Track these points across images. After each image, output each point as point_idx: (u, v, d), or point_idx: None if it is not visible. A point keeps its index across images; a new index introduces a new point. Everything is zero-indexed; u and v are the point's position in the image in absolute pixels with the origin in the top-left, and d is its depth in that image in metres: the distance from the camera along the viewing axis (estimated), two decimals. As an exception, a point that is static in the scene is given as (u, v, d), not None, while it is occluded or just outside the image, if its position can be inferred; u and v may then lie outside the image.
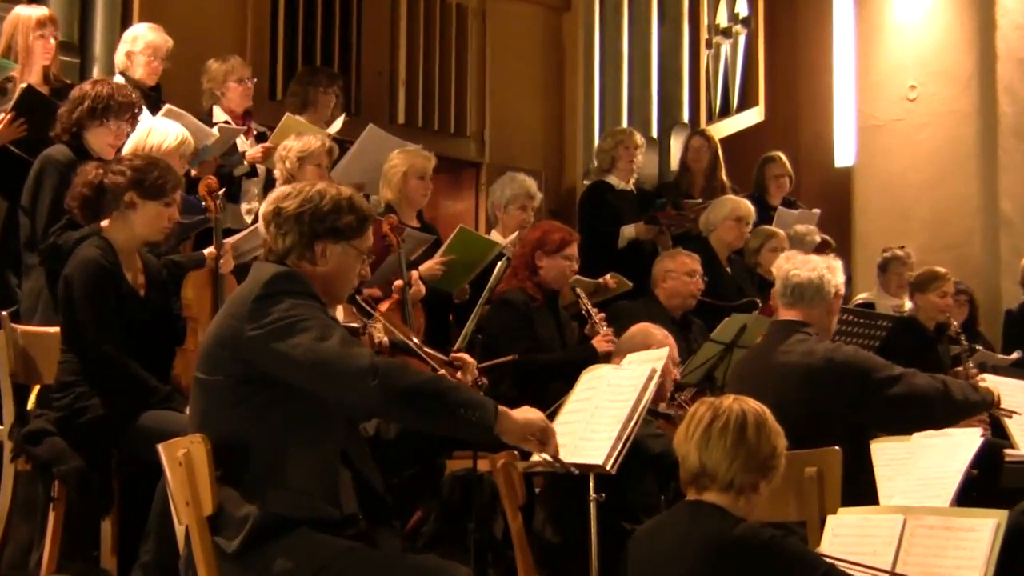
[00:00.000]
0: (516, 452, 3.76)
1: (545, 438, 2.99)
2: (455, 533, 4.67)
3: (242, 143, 6.08)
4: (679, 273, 6.14)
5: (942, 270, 6.97)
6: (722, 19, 9.68)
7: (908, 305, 7.26)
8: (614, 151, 7.59)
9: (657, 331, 4.62)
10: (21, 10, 5.43)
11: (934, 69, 9.12)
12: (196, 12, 6.85)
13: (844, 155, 10.17)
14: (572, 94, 8.81)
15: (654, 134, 9.02)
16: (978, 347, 7.04)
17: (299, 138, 5.51)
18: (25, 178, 4.80)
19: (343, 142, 6.09)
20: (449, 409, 2.86)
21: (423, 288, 5.41)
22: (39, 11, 5.45)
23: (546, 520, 4.34)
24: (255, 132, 6.21)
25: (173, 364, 4.34)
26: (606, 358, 4.89)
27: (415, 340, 3.29)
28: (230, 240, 4.91)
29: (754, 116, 9.76)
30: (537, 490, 4.58)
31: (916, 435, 3.83)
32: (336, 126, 6.35)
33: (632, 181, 7.63)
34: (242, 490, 2.90)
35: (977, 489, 4.05)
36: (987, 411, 4.60)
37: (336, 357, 2.85)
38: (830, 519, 3.31)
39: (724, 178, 8.06)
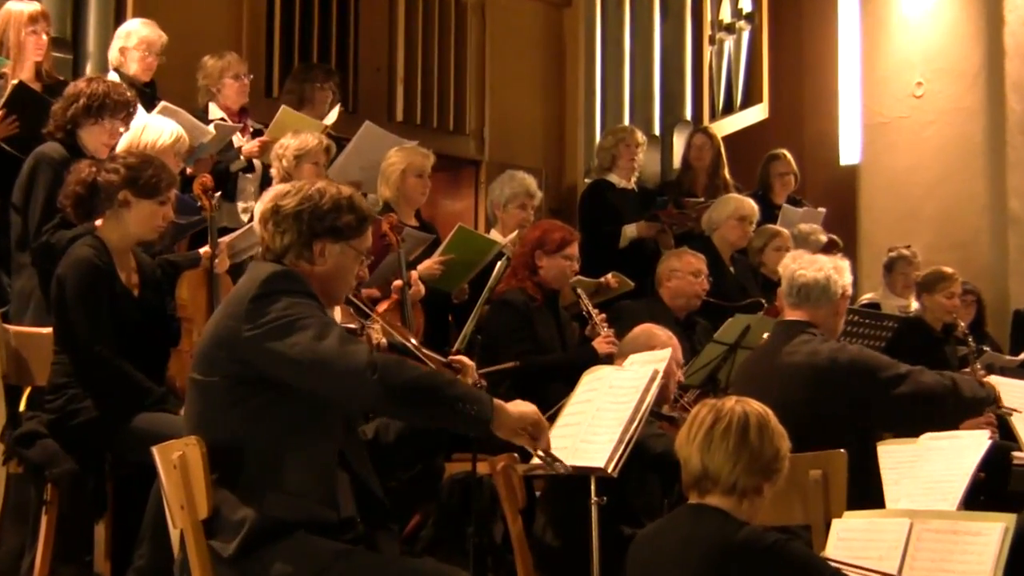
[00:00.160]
0: (516, 455, 3.73)
1: (537, 432, 2.96)
2: (454, 537, 4.67)
3: (238, 140, 6.03)
4: (684, 272, 6.11)
5: (949, 270, 6.93)
6: (725, 15, 9.64)
7: (914, 305, 7.23)
8: (615, 149, 7.55)
9: (661, 332, 4.59)
10: (13, 5, 5.40)
11: (941, 65, 9.09)
12: (191, 7, 6.80)
13: (849, 153, 10.12)
14: (573, 91, 8.76)
15: (656, 132, 8.98)
16: (986, 348, 7.00)
17: (296, 136, 5.47)
18: (16, 176, 4.78)
19: (340, 139, 6.04)
20: (448, 403, 2.85)
21: (423, 288, 5.39)
22: (31, 6, 5.42)
23: (546, 524, 4.33)
24: (251, 129, 6.17)
25: (168, 365, 4.33)
26: (607, 360, 4.84)
27: (413, 341, 3.25)
28: (226, 239, 4.88)
29: (758, 113, 9.72)
30: (537, 493, 4.57)
31: (923, 437, 3.80)
32: (332, 117, 6.29)
33: (633, 179, 7.61)
34: (239, 493, 2.88)
35: (985, 492, 4.03)
36: (990, 407, 4.56)
37: (335, 355, 2.83)
38: (835, 523, 3.30)
39: (727, 176, 8.03)
